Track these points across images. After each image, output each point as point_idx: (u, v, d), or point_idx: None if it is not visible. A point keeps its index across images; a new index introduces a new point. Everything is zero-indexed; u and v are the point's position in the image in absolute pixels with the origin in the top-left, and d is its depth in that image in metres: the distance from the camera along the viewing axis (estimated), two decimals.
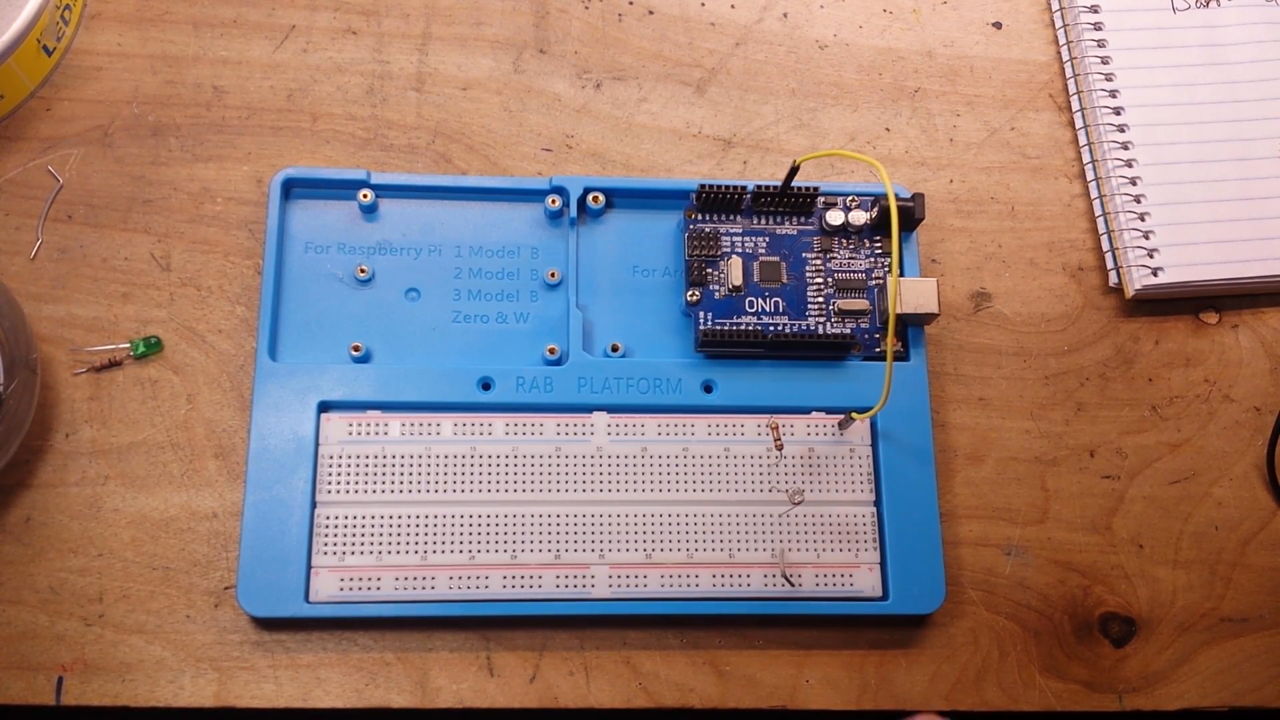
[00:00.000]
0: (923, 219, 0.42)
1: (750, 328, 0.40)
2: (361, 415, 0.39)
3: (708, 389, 0.40)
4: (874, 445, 0.40)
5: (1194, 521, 0.42)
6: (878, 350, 0.41)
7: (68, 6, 0.42)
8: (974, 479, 0.42)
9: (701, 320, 0.40)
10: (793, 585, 0.38)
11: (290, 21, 0.44)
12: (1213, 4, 0.48)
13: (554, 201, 0.42)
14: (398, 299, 0.41)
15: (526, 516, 0.38)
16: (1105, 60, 0.46)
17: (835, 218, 0.42)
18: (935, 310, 0.40)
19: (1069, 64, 0.47)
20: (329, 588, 0.37)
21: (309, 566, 0.37)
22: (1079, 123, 0.46)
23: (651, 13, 0.47)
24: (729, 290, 0.41)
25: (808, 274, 0.41)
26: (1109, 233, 0.45)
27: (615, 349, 0.41)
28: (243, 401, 0.40)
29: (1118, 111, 0.46)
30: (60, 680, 0.36)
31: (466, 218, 0.42)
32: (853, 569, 0.39)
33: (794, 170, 0.40)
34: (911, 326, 0.41)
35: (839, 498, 0.40)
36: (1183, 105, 0.46)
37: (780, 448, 0.39)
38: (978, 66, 0.47)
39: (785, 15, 0.47)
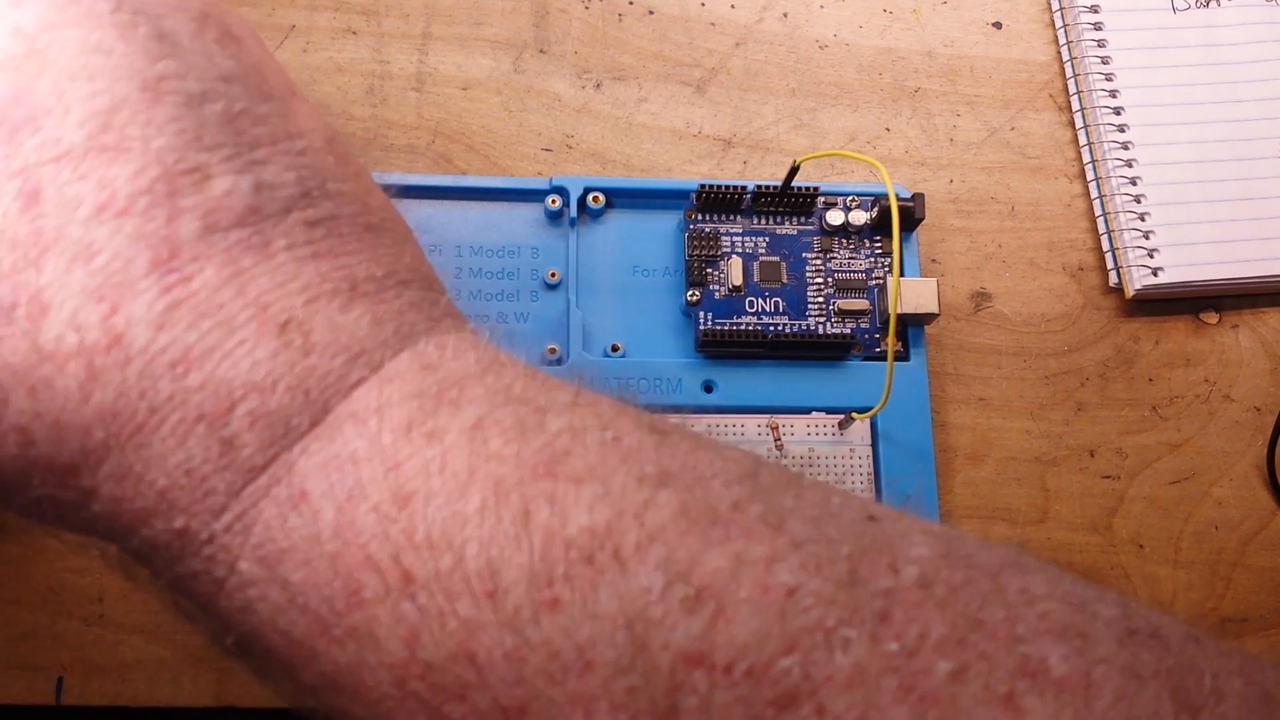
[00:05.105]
0: (923, 219, 0.42)
1: (750, 328, 0.40)
2: None
3: (708, 389, 0.40)
4: (874, 445, 0.40)
5: (1194, 521, 0.42)
6: (878, 350, 0.41)
7: None
8: (974, 479, 0.42)
9: (701, 320, 0.40)
10: None
11: (290, 21, 0.44)
12: (1213, 4, 0.48)
13: (554, 201, 0.42)
14: None
15: None
16: (1105, 60, 0.46)
17: (835, 218, 0.42)
18: (935, 310, 0.40)
19: (1069, 64, 0.47)
20: None
21: None
22: (1079, 123, 0.46)
23: (651, 13, 0.47)
24: (729, 290, 0.41)
25: (808, 274, 0.41)
26: (1109, 233, 0.45)
27: (615, 349, 0.41)
28: None
29: (1118, 111, 0.46)
30: (60, 680, 0.36)
31: (466, 218, 0.42)
32: None
33: (794, 170, 0.40)
34: (911, 326, 0.41)
35: None
36: (1183, 105, 0.46)
37: (780, 448, 0.39)
38: (978, 66, 0.47)
39: (785, 15, 0.47)
